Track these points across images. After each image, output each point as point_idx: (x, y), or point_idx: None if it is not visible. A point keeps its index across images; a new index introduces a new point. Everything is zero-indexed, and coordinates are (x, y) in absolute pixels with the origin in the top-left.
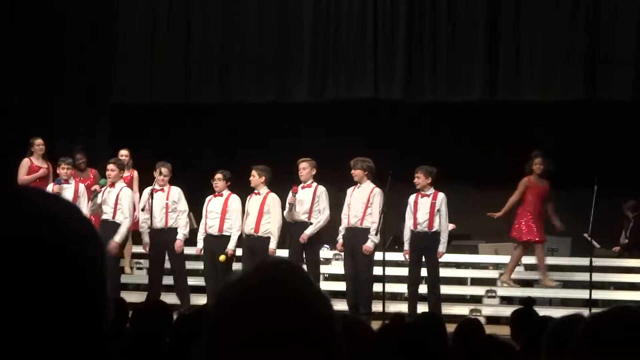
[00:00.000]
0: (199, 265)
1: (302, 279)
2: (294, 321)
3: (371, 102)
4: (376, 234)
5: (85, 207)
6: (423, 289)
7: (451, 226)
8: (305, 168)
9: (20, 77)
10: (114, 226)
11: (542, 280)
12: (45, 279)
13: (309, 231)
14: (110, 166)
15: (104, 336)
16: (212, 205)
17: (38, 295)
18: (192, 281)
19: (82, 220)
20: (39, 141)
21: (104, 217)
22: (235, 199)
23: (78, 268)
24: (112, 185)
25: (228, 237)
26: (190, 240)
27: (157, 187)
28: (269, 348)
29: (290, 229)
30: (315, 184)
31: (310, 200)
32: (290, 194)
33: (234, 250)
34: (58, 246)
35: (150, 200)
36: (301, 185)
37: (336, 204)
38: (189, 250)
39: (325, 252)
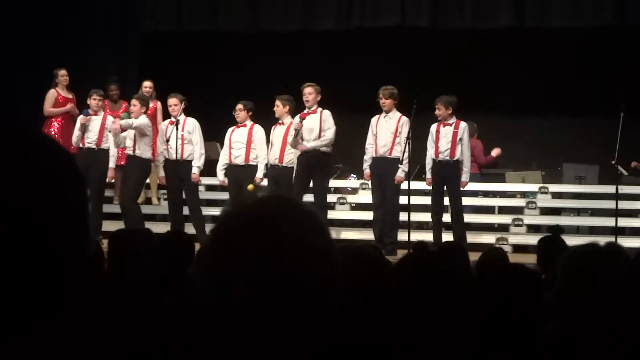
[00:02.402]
0: (224, 195)
1: (294, 213)
2: (282, 258)
3: (397, 29)
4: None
5: (110, 140)
6: (449, 218)
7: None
8: (310, 93)
9: (50, 10)
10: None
11: None
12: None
13: (311, 145)
14: (134, 101)
15: (86, 262)
16: (237, 136)
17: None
18: (214, 211)
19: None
20: (62, 72)
21: (127, 151)
22: (259, 129)
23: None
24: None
25: (254, 167)
26: (212, 170)
27: (172, 119)
28: (257, 289)
29: (299, 157)
30: (320, 109)
31: (317, 125)
32: (297, 119)
33: (261, 179)
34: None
35: (176, 132)
36: (307, 111)
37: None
38: (210, 181)
39: (352, 182)
